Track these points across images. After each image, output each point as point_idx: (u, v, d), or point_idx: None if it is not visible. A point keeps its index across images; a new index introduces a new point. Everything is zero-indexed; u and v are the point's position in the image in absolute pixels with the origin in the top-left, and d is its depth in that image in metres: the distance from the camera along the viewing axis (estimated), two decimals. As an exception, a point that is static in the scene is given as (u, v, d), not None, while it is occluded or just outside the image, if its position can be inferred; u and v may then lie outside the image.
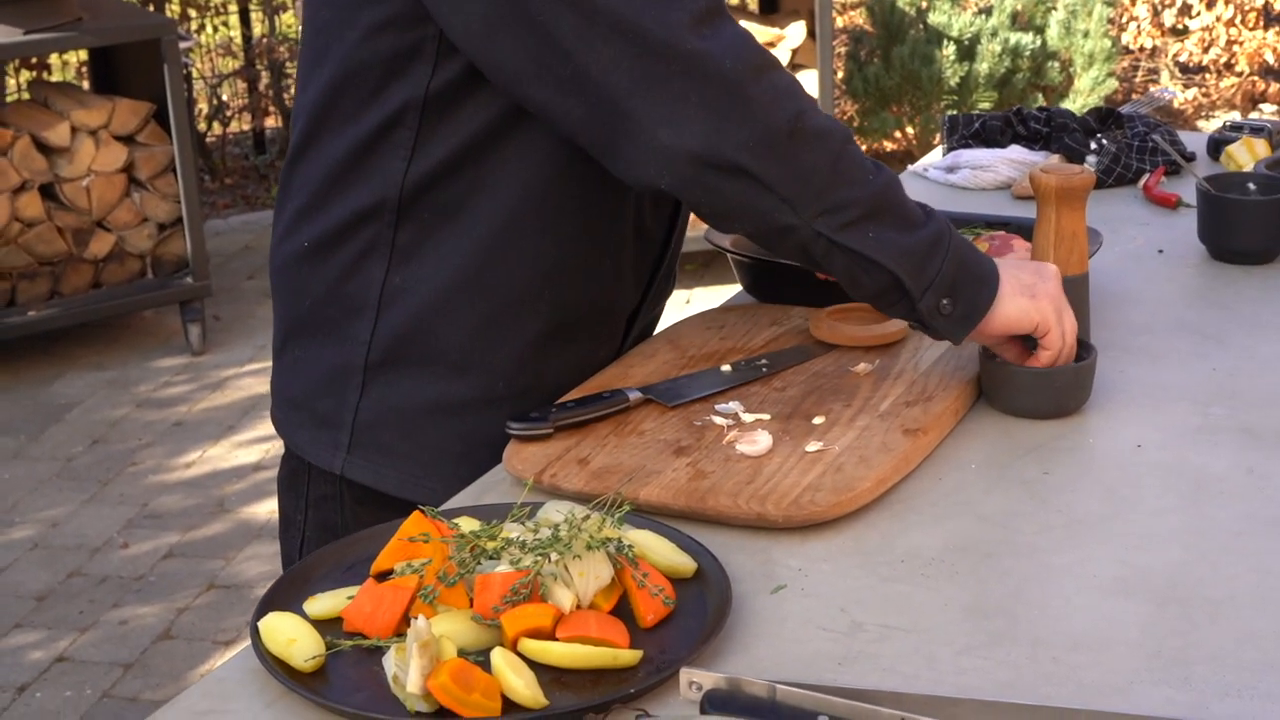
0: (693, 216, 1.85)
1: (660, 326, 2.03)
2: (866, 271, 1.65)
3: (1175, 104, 7.49)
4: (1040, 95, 6.69)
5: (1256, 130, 2.69)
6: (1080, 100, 6.61)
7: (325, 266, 1.79)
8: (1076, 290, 1.84)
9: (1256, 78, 7.79)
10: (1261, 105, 7.72)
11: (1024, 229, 2.14)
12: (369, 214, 1.74)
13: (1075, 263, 1.83)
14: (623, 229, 1.81)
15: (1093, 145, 2.62)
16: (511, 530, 1.43)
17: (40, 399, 5.23)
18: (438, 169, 1.71)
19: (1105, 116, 2.72)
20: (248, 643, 1.35)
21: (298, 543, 1.91)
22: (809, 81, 6.01)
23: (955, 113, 2.84)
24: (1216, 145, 2.68)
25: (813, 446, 1.64)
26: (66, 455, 4.83)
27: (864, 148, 7.13)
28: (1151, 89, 7.63)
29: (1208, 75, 7.95)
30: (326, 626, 1.38)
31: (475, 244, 1.73)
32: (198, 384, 5.33)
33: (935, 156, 2.80)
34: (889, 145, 7.08)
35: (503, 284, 1.74)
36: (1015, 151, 2.64)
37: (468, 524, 1.47)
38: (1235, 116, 7.38)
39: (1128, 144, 2.60)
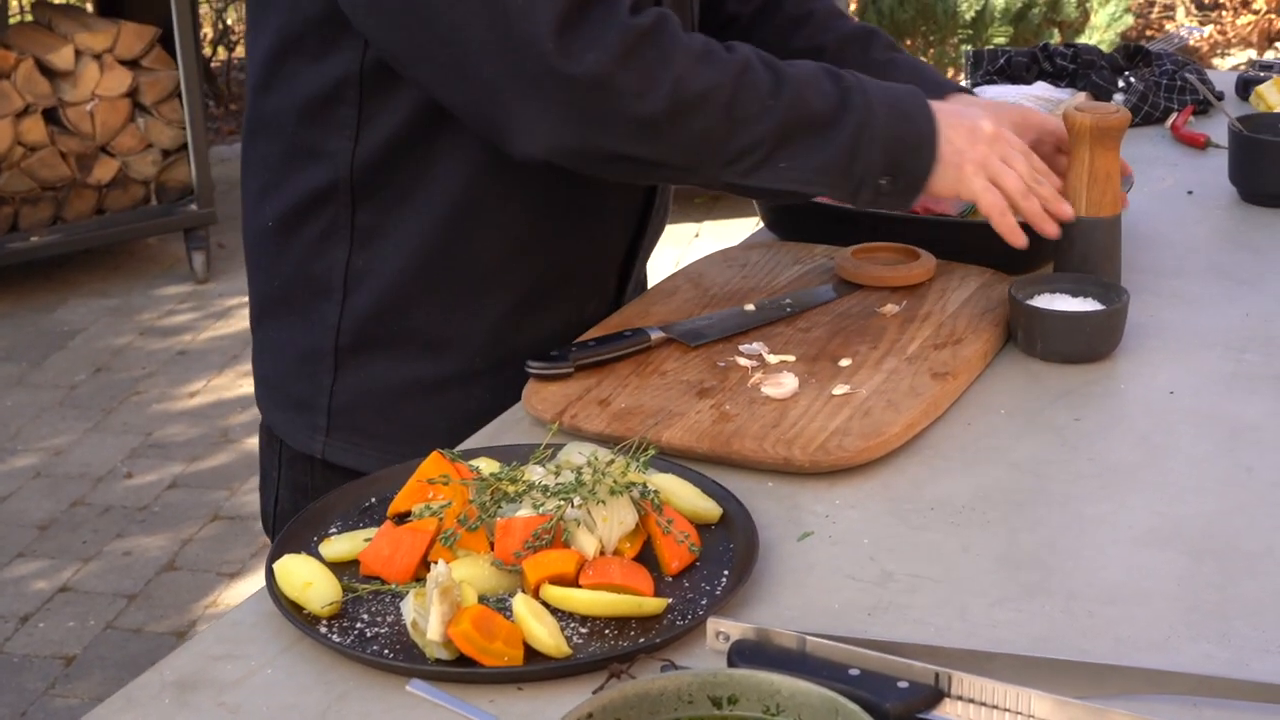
0: None
1: (674, 264, 1.99)
2: (792, 195, 1.64)
3: (1191, 41, 7.40)
4: (1056, 30, 6.61)
5: (1287, 70, 2.64)
6: (1096, 36, 6.53)
7: (290, 247, 1.75)
8: (1108, 232, 1.79)
9: (1274, 15, 7.70)
10: (1278, 43, 7.63)
11: (1052, 168, 2.09)
12: (325, 195, 1.70)
13: (1109, 204, 1.79)
14: (597, 185, 1.74)
15: (1120, 83, 2.56)
16: (533, 473, 1.39)
17: (42, 326, 5.20)
18: (386, 147, 1.66)
19: (1133, 54, 2.66)
20: (252, 575, 1.32)
21: (272, 499, 1.88)
22: (822, 14, 5.93)
23: (978, 48, 2.78)
24: (1245, 85, 2.63)
25: (839, 389, 1.60)
26: (69, 383, 4.80)
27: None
28: (1174, 27, 7.56)
29: (1224, 12, 7.86)
30: (341, 569, 1.34)
31: (436, 222, 1.68)
32: (202, 312, 5.29)
33: (958, 92, 2.74)
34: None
35: (469, 260, 1.70)
36: (1041, 88, 2.59)
37: (487, 465, 1.43)
38: (1252, 54, 7.31)
39: (1156, 82, 2.54)
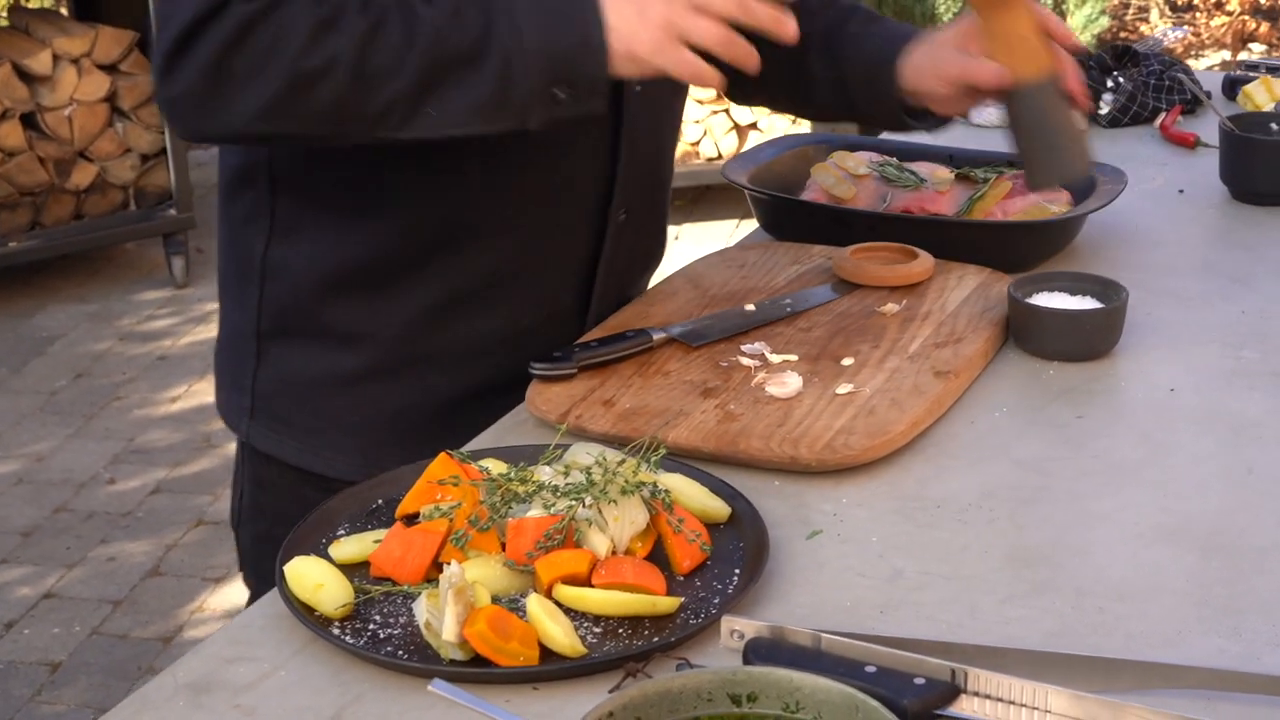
0: (680, 151, 1.80)
1: (663, 266, 1.98)
2: (451, 137, 1.55)
3: (1167, 43, 7.43)
4: (1032, 33, 6.62)
5: (1273, 69, 2.65)
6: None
7: (226, 225, 1.76)
8: (1038, 100, 1.68)
9: (1247, 16, 7.74)
10: (1251, 44, 7.67)
11: (1045, 167, 2.10)
12: (247, 177, 1.71)
13: (1031, 65, 1.66)
14: (534, 186, 1.70)
15: (1109, 83, 2.57)
16: (541, 473, 1.39)
17: (21, 331, 5.17)
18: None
19: (1121, 54, 2.67)
20: (238, 580, 1.32)
21: (239, 493, 1.88)
22: (801, 16, 5.93)
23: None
24: (1232, 84, 2.64)
25: (843, 388, 1.60)
26: (50, 389, 4.78)
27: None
28: (1148, 29, 7.59)
29: (1198, 14, 7.90)
30: (351, 571, 1.34)
31: (350, 217, 1.68)
32: (181, 317, 5.27)
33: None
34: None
35: (381, 258, 1.69)
36: (1030, 88, 2.59)
37: (494, 466, 1.43)
38: (1226, 55, 7.34)
39: (1144, 82, 2.55)
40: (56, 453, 4.39)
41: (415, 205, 1.68)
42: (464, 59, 1.51)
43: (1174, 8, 7.95)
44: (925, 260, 1.86)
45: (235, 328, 1.79)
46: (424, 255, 1.69)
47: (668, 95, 1.83)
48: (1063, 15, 6.68)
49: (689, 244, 5.41)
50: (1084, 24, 6.60)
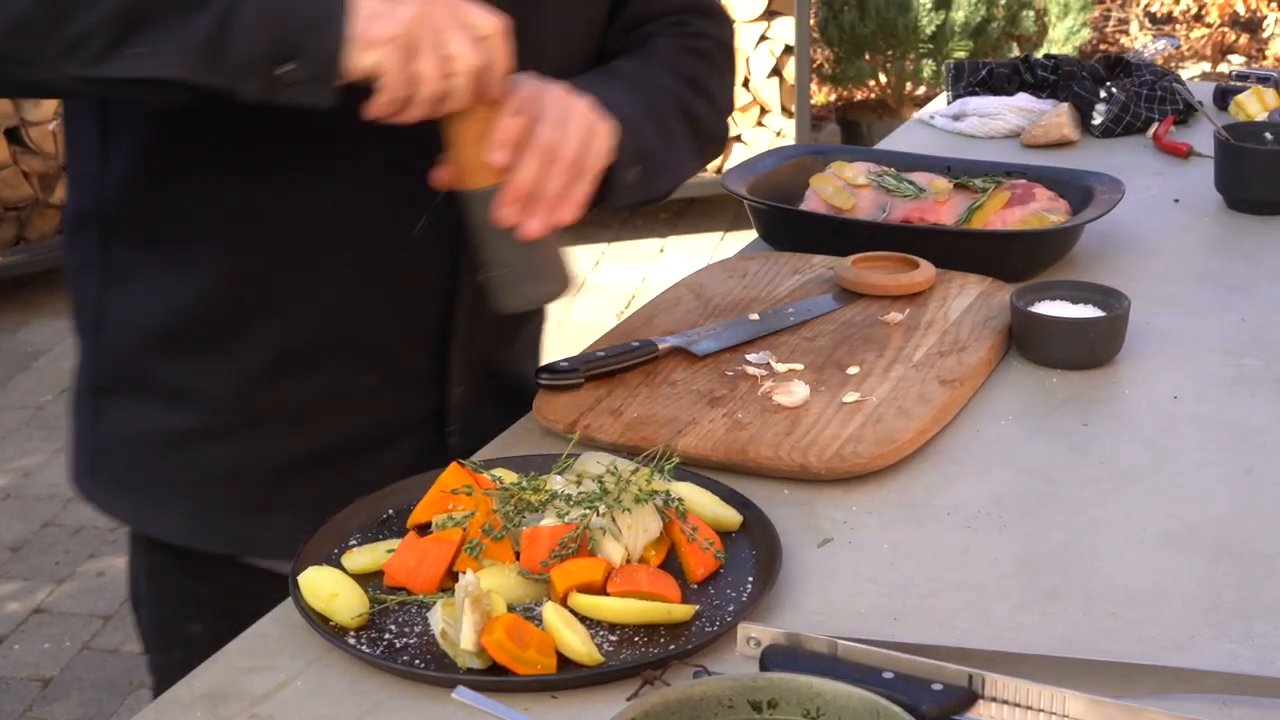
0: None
1: (641, 279, 1.95)
2: (157, 92, 1.36)
3: (1148, 55, 7.46)
4: (1015, 45, 6.66)
5: (1263, 79, 2.67)
6: (1054, 50, 6.57)
7: (66, 269, 1.65)
8: (482, 211, 1.45)
9: (1226, 29, 7.78)
10: (1230, 56, 7.71)
11: (1042, 178, 2.11)
12: (82, 221, 1.60)
13: (476, 172, 1.45)
14: (365, 239, 1.56)
15: (1102, 93, 2.59)
16: (554, 483, 1.39)
17: (6, 347, 5.16)
18: (131, 183, 1.54)
19: (1114, 64, 2.69)
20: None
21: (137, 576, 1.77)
22: (785, 29, 5.97)
23: (959, 59, 2.81)
24: (1224, 95, 2.66)
25: (850, 397, 1.60)
26: (35, 404, 4.76)
27: (836, 96, 7.11)
28: (1128, 41, 7.62)
29: (1178, 26, 7.94)
30: (363, 581, 1.34)
31: (174, 268, 1.55)
32: (168, 332, 5.26)
33: (940, 104, 2.77)
34: (860, 94, 7.04)
35: (206, 312, 1.56)
36: (1023, 99, 2.61)
37: (505, 476, 1.43)
38: (1205, 67, 7.38)
39: (1136, 92, 2.57)
40: (43, 468, 4.37)
41: (237, 257, 1.55)
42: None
43: (1154, 20, 7.98)
44: (927, 269, 1.87)
45: (77, 378, 1.67)
46: (248, 311, 1.55)
47: None
48: (1045, 28, 6.72)
49: (675, 256, 5.41)
50: (1066, 35, 6.63)
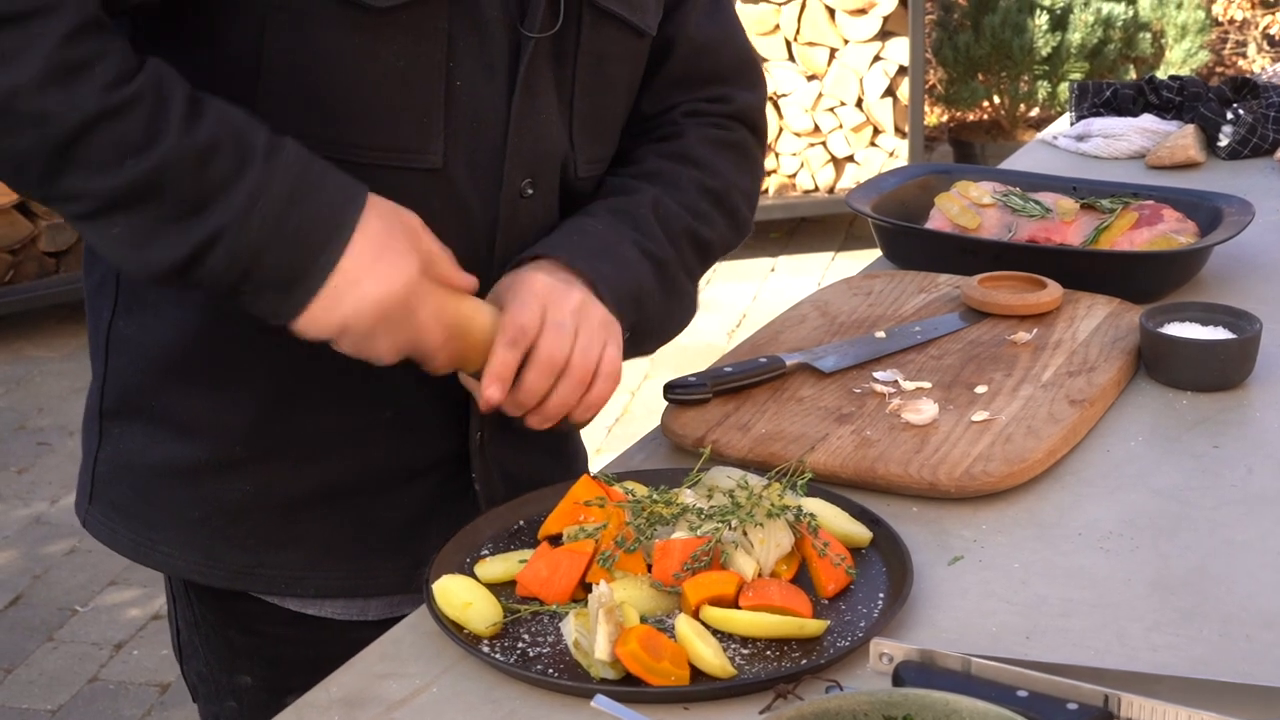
0: (777, 184, 1.66)
1: (752, 298, 1.95)
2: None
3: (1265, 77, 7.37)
4: (1131, 67, 6.60)
5: (1394, 101, 2.63)
6: (1172, 72, 6.51)
7: (86, 291, 1.63)
8: None
9: (1347, 51, 7.67)
10: (1352, 80, 7.59)
11: (1169, 199, 2.10)
12: None
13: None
14: None
15: (1228, 115, 2.56)
16: (685, 496, 1.40)
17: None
18: None
19: (1240, 86, 2.66)
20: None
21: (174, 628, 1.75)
22: (900, 50, 5.96)
23: (1083, 80, 2.79)
24: (1352, 116, 2.62)
25: (979, 416, 1.60)
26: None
27: (949, 117, 7.08)
28: (1245, 64, 7.53)
29: (1297, 48, 7.84)
30: (495, 590, 1.35)
31: (187, 301, 1.53)
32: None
33: (1063, 125, 2.75)
34: (973, 115, 7.00)
35: (225, 344, 1.53)
36: (1148, 120, 2.59)
37: (636, 489, 1.44)
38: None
39: (1264, 114, 2.54)
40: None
41: None
42: (186, 208, 1.32)
43: (1272, 43, 7.88)
44: (1054, 289, 1.86)
45: (88, 402, 1.65)
46: (261, 343, 1.49)
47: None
48: (1161, 50, 6.65)
49: (786, 275, 5.41)
50: (1183, 58, 6.56)
